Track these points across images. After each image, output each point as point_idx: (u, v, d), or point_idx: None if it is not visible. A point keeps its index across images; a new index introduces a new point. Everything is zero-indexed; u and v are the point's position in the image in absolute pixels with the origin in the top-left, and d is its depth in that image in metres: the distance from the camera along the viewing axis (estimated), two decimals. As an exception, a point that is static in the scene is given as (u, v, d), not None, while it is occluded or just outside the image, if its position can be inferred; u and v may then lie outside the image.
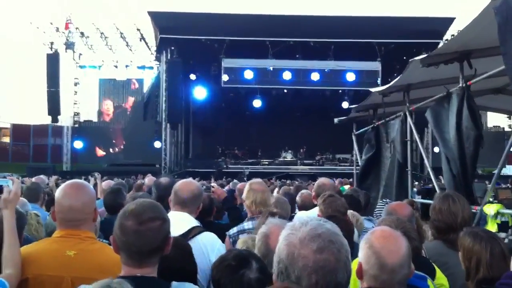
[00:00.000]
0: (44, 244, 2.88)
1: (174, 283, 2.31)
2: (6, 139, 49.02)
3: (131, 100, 44.95)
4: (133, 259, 2.24)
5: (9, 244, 2.77)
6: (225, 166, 31.82)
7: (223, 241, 3.86)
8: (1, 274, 2.65)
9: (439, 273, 3.19)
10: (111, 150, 42.86)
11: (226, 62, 31.29)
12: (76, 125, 41.69)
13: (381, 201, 6.29)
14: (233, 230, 4.14)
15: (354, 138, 12.52)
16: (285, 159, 34.54)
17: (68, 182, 3.03)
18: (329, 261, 1.60)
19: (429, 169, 7.66)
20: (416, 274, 2.60)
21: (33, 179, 7.40)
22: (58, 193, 2.93)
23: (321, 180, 6.22)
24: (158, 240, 2.27)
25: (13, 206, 2.96)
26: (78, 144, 40.17)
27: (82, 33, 36.86)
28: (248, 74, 31.46)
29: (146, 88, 43.35)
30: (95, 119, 45.57)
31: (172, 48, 31.73)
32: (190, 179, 4.83)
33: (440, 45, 26.56)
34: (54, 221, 2.96)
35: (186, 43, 30.45)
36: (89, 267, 2.64)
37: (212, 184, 9.83)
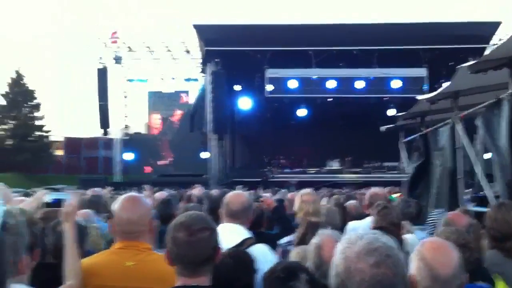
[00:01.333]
0: (104, 256, 2.97)
1: None
2: (60, 152, 50.52)
3: (178, 112, 45.69)
4: (187, 269, 2.32)
5: (71, 255, 2.87)
6: (271, 175, 31.84)
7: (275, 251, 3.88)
8: (64, 285, 2.75)
9: (501, 285, 3.12)
10: (159, 162, 43.58)
11: (270, 72, 31.37)
12: (126, 138, 42.60)
13: (433, 211, 6.18)
14: (284, 240, 4.15)
15: (402, 146, 12.33)
16: (331, 167, 34.27)
17: (125, 195, 3.12)
18: (386, 275, 1.60)
19: (481, 176, 7.48)
20: (477, 285, 2.55)
21: (89, 192, 7.60)
22: (116, 206, 3.01)
23: (374, 189, 6.18)
24: (209, 249, 2.35)
25: (73, 219, 3.06)
26: (129, 156, 41.01)
27: (129, 47, 37.70)
28: (292, 84, 31.44)
29: (192, 100, 43.98)
30: (144, 131, 46.53)
31: (217, 59, 32.04)
32: (240, 191, 4.88)
33: (487, 50, 25.96)
34: (112, 233, 3.05)
35: (230, 54, 30.73)
36: (147, 277, 2.71)
37: (262, 194, 9.86)
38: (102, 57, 38.25)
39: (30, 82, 50.39)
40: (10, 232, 2.19)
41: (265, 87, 31.66)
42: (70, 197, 3.13)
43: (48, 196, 3.19)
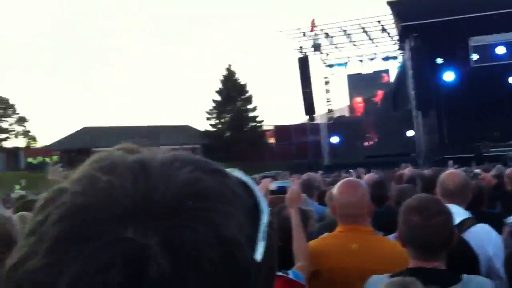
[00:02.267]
0: (329, 239, 3.11)
1: (465, 276, 2.29)
2: (272, 140, 53.28)
3: (380, 92, 44.98)
4: (422, 253, 2.30)
5: (298, 239, 3.05)
6: (484, 150, 29.65)
7: (498, 231, 3.66)
8: (295, 266, 2.94)
9: None
10: (365, 143, 43.44)
11: (474, 41, 29.25)
12: (331, 122, 43.26)
13: None
14: (511, 219, 3.88)
15: None
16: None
17: (343, 180, 3.23)
18: None
19: None
20: None
21: (304, 176, 7.93)
22: (335, 190, 3.13)
23: None
24: (445, 234, 2.29)
25: (297, 204, 3.24)
26: (335, 140, 41.64)
27: (326, 34, 38.12)
28: (500, 50, 28.86)
29: (392, 78, 42.94)
30: (347, 114, 46.78)
31: (415, 34, 30.79)
32: (454, 169, 4.68)
33: None
34: (334, 216, 3.17)
35: (428, 27, 29.29)
36: (373, 259, 2.77)
37: (474, 170, 9.28)
38: (302, 46, 39.32)
39: (241, 77, 53.93)
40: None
41: (470, 57, 29.56)
42: (292, 184, 3.32)
43: (272, 184, 3.42)
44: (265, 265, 0.53)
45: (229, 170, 0.60)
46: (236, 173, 0.60)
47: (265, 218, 0.55)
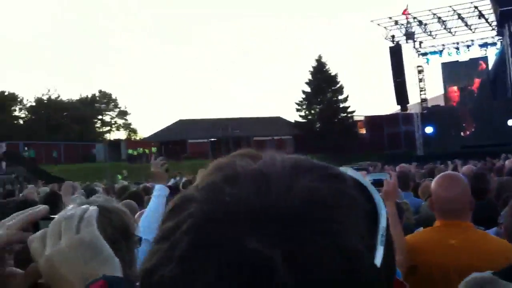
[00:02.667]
0: (426, 233, 2.99)
1: None
2: (363, 131, 52.43)
3: (477, 81, 42.85)
4: None
5: (394, 233, 2.97)
6: None
7: None
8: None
9: None
10: (461, 133, 41.63)
11: None
12: (425, 111, 41.82)
13: None
14: None
15: None
16: None
17: (442, 174, 3.09)
18: None
19: None
20: None
21: (398, 167, 7.74)
22: (433, 184, 3.00)
23: None
24: None
25: (394, 197, 3.15)
26: (429, 130, 40.25)
27: (420, 22, 36.83)
28: None
29: (490, 66, 40.75)
30: (442, 103, 45.01)
31: (516, 19, 29.03)
32: None
33: None
34: (432, 211, 3.05)
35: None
36: (474, 256, 2.63)
37: None
38: (394, 35, 38.27)
39: (332, 68, 53.44)
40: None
41: None
42: (388, 176, 3.23)
43: (368, 177, 3.34)
44: (384, 269, 0.53)
45: (343, 170, 0.60)
46: (352, 174, 0.59)
47: (384, 222, 0.55)
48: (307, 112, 53.84)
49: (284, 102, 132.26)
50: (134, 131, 69.47)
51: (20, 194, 8.95)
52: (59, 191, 7.21)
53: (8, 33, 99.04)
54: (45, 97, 61.89)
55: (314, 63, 53.10)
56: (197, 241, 0.51)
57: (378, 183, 3.13)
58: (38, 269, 0.94)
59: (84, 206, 0.92)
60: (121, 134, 67.41)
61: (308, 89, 53.06)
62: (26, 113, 62.87)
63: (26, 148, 44.89)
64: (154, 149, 48.73)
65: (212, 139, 52.19)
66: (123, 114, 68.19)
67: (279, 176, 0.55)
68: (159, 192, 3.44)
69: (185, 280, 0.50)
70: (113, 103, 67.42)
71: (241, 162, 0.58)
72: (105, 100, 66.97)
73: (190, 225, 0.53)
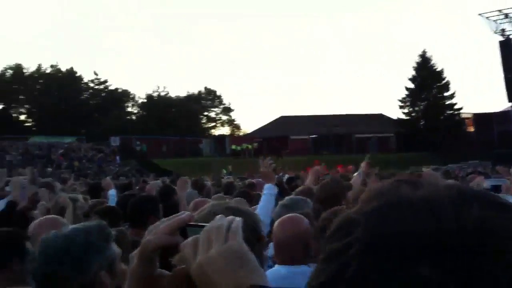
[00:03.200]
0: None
1: None
2: (471, 129, 49.88)
3: None
4: None
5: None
6: None
7: None
8: None
9: None
10: None
11: None
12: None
13: None
14: None
15: None
16: None
17: None
18: None
19: None
20: None
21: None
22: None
23: None
24: None
25: None
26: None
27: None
28: None
29: None
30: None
31: None
32: None
33: None
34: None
35: None
36: None
37: None
38: (504, 28, 36.07)
39: (437, 63, 51.28)
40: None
41: None
42: (507, 182, 3.07)
43: (487, 181, 3.19)
44: None
45: (505, 197, 0.61)
46: None
47: None
48: (410, 109, 52.10)
49: (387, 99, 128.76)
50: (237, 127, 71.06)
51: (137, 187, 9.45)
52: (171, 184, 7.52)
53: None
54: (155, 94, 64.98)
55: (418, 59, 51.25)
56: (367, 266, 0.52)
57: (496, 189, 2.98)
58: (185, 272, 1.01)
59: (230, 217, 0.97)
60: (226, 130, 69.22)
61: (411, 86, 51.31)
62: (138, 109, 66.37)
63: (138, 142, 47.36)
64: (255, 145, 49.55)
65: (313, 136, 52.08)
66: (227, 110, 69.95)
67: (446, 203, 0.55)
68: (268, 191, 3.54)
69: None
70: (218, 100, 69.35)
71: (403, 188, 0.59)
72: (210, 97, 69.02)
73: (359, 250, 0.54)
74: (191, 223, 1.05)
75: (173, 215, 1.07)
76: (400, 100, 52.38)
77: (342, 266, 0.54)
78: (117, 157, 41.61)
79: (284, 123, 55.00)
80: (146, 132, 52.28)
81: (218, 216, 0.98)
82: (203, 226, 0.97)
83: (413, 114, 51.99)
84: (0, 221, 3.74)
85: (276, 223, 2.68)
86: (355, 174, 4.78)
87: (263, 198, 3.53)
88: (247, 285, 0.86)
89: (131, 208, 4.15)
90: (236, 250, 0.90)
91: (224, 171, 30.66)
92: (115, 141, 45.41)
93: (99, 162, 39.42)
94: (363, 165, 4.74)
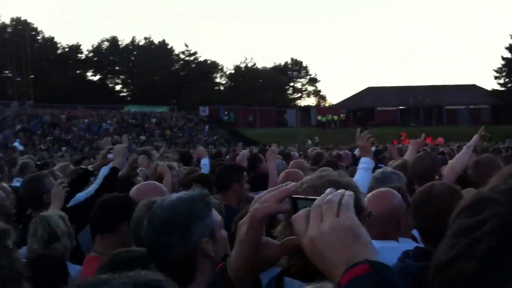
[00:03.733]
0: None
1: None
2: None
3: None
4: None
5: None
6: None
7: None
8: None
9: None
10: None
11: None
12: None
13: None
14: None
15: None
16: None
17: None
18: None
19: None
20: None
21: None
22: None
23: None
24: None
25: None
26: None
27: None
28: None
29: None
30: None
31: None
32: None
33: None
34: None
35: None
36: None
37: None
38: None
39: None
40: None
41: None
42: None
43: None
44: None
45: None
46: None
47: None
48: (506, 79, 49.12)
49: (480, 69, 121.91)
50: (323, 98, 70.32)
51: (227, 157, 9.65)
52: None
53: (207, 5, 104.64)
54: (242, 65, 65.55)
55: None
56: (503, 242, 0.53)
57: None
58: (294, 244, 1.03)
59: (340, 191, 0.97)
60: (311, 101, 68.72)
61: (508, 55, 48.25)
62: (226, 79, 67.35)
63: (226, 113, 48.19)
64: (341, 116, 48.89)
65: (401, 107, 50.56)
66: (313, 81, 69.31)
67: None
68: (366, 165, 3.48)
69: (485, 278, 0.52)
70: (304, 71, 68.83)
71: None
72: (296, 68, 68.61)
73: (495, 226, 0.54)
74: (300, 196, 1.05)
75: (280, 185, 1.08)
76: (495, 70, 49.56)
77: (474, 242, 0.55)
78: (206, 127, 42.62)
79: (371, 94, 53.76)
80: (233, 102, 53.03)
81: (328, 190, 0.98)
82: (313, 200, 0.98)
83: (509, 85, 49.04)
84: (105, 187, 3.98)
85: (368, 196, 2.64)
86: (464, 147, 4.48)
87: (359, 172, 3.48)
88: (359, 260, 0.86)
89: (217, 175, 4.30)
90: (349, 225, 0.90)
91: (309, 142, 30.57)
92: (204, 110, 46.45)
93: (189, 131, 40.56)
94: (475, 138, 4.43)
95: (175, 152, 13.62)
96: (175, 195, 1.80)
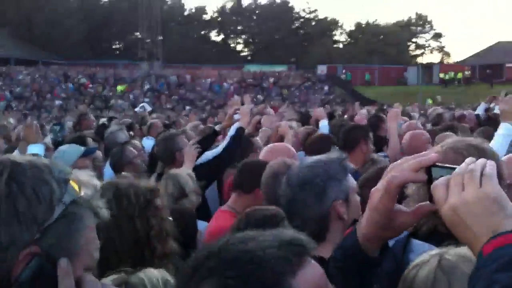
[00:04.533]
0: None
1: None
2: None
3: None
4: None
5: None
6: None
7: None
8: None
9: None
10: None
11: None
12: None
13: None
14: None
15: None
16: None
17: None
18: None
19: None
20: None
21: None
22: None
23: None
24: None
25: None
26: None
27: None
28: None
29: None
30: None
31: None
32: None
33: None
34: None
35: None
36: None
37: None
38: None
39: None
40: None
41: None
42: None
43: None
44: None
45: None
46: None
47: None
48: None
49: None
50: (447, 54, 66.38)
51: (345, 116, 9.53)
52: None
53: None
54: (363, 22, 63.51)
55: None
56: None
57: None
58: (425, 211, 1.03)
59: (482, 160, 0.95)
60: (434, 58, 65.16)
61: None
62: (346, 37, 65.80)
63: (344, 71, 47.21)
64: (466, 73, 45.85)
65: (535, 63, 46.20)
66: (437, 36, 65.50)
67: None
68: (506, 131, 3.23)
69: None
70: (428, 25, 65.16)
71: None
72: (420, 23, 65.13)
73: None
74: (439, 164, 1.03)
75: (419, 154, 1.07)
76: None
77: None
78: (324, 86, 42.13)
79: (500, 49, 49.52)
80: (353, 60, 51.78)
81: (468, 159, 0.97)
82: (452, 168, 0.96)
83: None
84: (232, 146, 4.15)
85: (503, 158, 2.46)
86: None
87: (498, 138, 3.22)
88: (502, 230, 0.85)
89: (344, 135, 4.25)
90: (493, 196, 0.89)
91: (429, 101, 29.11)
92: (321, 69, 45.89)
93: (306, 89, 40.35)
94: None
95: (293, 111, 13.66)
96: (314, 158, 1.86)
